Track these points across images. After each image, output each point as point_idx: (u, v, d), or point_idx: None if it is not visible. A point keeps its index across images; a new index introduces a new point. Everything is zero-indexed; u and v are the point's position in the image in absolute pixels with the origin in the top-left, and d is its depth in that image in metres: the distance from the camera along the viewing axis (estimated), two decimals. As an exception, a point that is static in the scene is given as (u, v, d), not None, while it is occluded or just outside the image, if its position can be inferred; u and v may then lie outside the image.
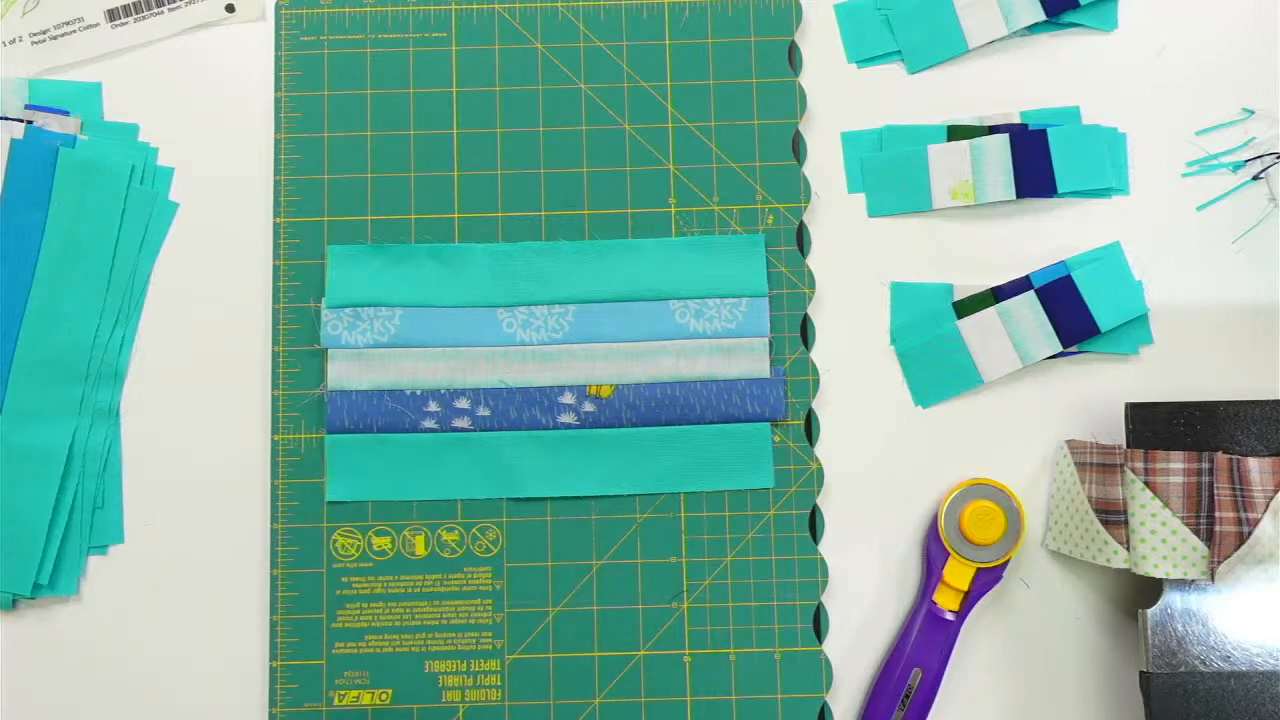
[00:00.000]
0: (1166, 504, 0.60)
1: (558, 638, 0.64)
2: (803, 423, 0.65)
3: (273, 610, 0.64)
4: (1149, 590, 0.62)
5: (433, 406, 0.64)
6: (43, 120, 0.66)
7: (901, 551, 0.65)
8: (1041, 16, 0.67)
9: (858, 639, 0.65)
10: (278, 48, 0.67)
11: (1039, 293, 0.65)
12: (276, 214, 0.66)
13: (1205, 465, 0.60)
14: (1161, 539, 0.59)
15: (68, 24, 0.67)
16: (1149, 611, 0.60)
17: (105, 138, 0.66)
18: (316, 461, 0.64)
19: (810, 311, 0.66)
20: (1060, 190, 0.66)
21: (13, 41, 0.67)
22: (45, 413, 0.64)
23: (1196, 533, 0.59)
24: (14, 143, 0.65)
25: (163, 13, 0.67)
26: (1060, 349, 0.65)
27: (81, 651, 0.64)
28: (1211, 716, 0.59)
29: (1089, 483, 0.63)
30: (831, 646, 0.64)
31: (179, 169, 0.67)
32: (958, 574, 0.63)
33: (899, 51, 0.68)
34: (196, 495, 0.65)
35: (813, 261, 0.66)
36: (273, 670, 0.63)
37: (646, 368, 0.65)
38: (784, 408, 0.65)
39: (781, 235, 0.66)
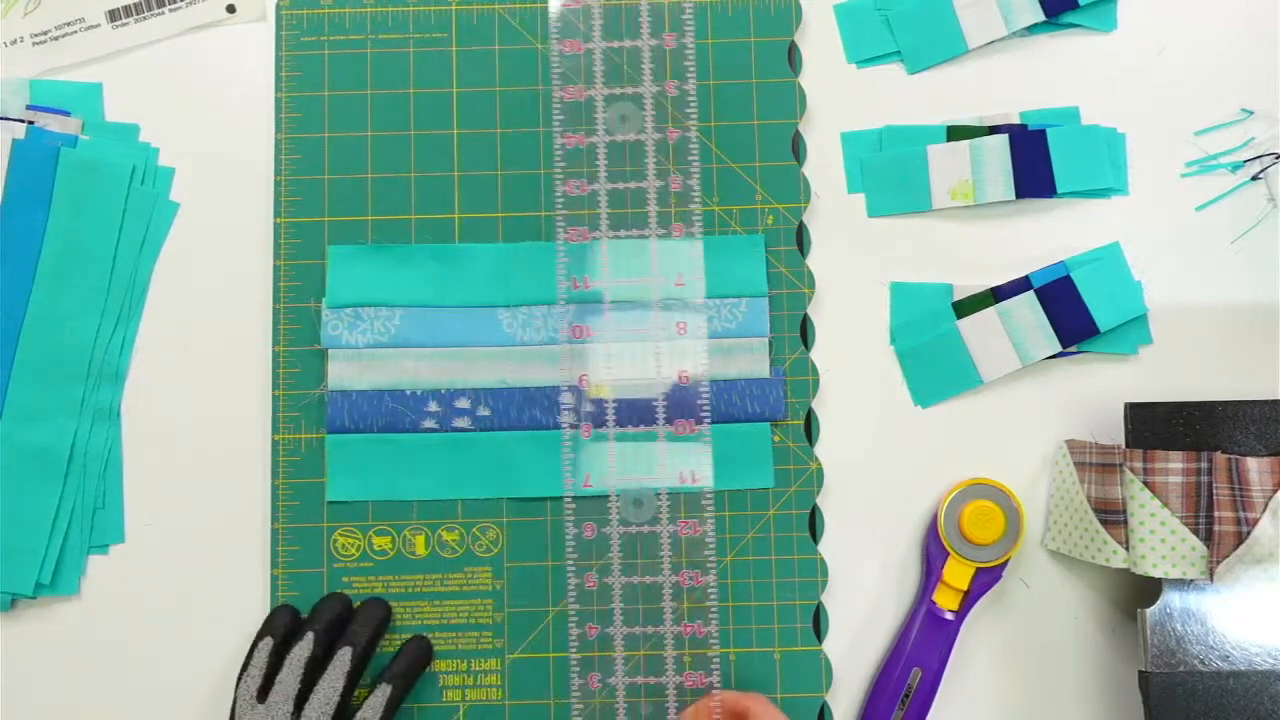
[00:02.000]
0: (1165, 504, 0.60)
1: (558, 638, 0.64)
2: (803, 423, 0.65)
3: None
4: (1148, 590, 0.62)
5: (433, 406, 0.64)
6: (44, 121, 0.66)
7: (901, 551, 0.65)
8: (1041, 17, 0.67)
9: (858, 639, 0.65)
10: (278, 48, 0.67)
11: (1038, 293, 0.66)
12: (276, 214, 0.66)
13: (1204, 465, 0.60)
14: (1161, 539, 0.59)
15: (69, 24, 0.67)
16: (1148, 611, 0.60)
17: (106, 138, 0.66)
18: (316, 461, 0.65)
19: (810, 311, 0.66)
20: (1060, 190, 0.66)
21: (14, 42, 0.67)
22: (46, 413, 0.64)
23: (1195, 532, 0.59)
24: (15, 143, 0.65)
25: (164, 13, 0.67)
26: (1060, 349, 0.65)
27: (82, 651, 0.64)
28: (1211, 716, 0.59)
29: (1088, 482, 0.63)
30: (831, 646, 0.64)
31: (180, 169, 0.67)
32: (957, 574, 0.63)
33: (899, 52, 0.68)
34: (196, 495, 0.65)
35: (813, 261, 0.66)
36: (273, 670, 0.63)
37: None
38: (784, 408, 0.65)
39: (781, 235, 0.66)
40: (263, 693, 0.58)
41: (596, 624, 0.63)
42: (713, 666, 0.62)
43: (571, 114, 0.64)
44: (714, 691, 0.61)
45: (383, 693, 0.59)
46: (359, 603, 0.62)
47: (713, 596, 0.63)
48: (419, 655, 0.62)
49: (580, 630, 0.62)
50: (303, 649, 0.59)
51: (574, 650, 0.62)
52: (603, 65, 0.65)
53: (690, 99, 0.64)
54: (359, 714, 0.59)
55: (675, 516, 0.63)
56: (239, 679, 0.59)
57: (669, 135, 0.65)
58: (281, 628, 0.60)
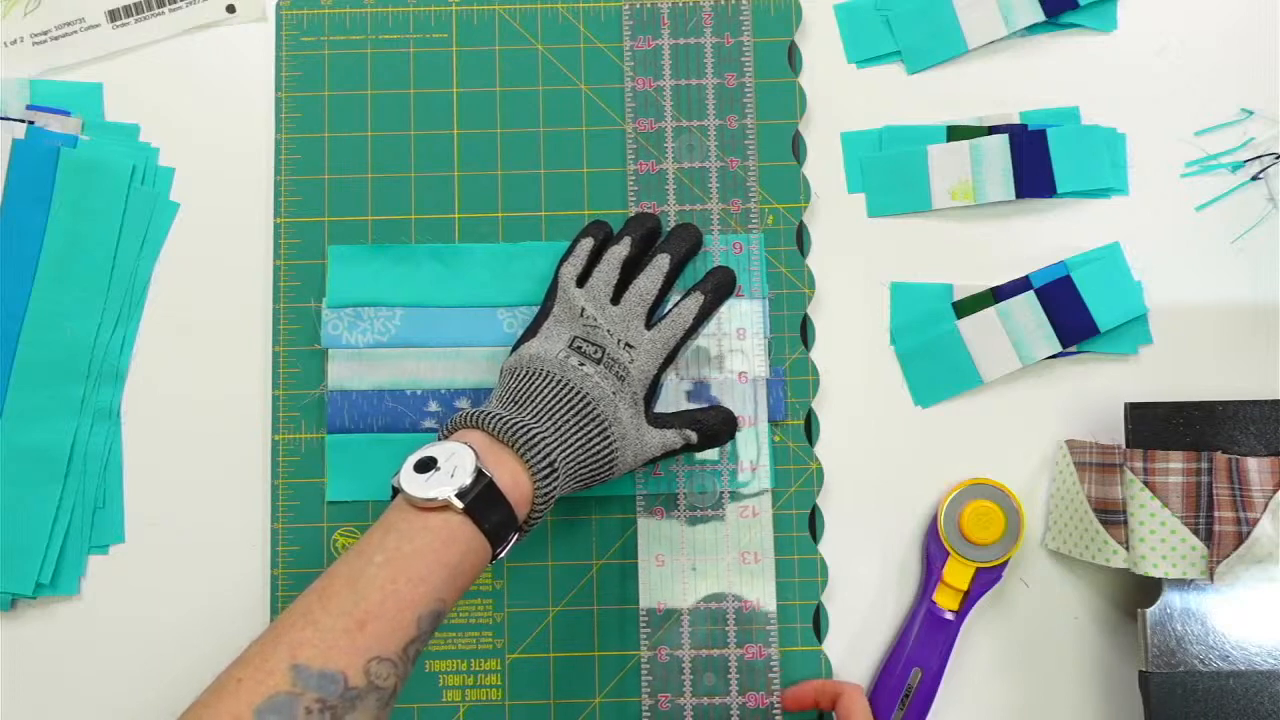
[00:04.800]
0: (1166, 504, 0.60)
1: (558, 638, 0.64)
2: (803, 423, 0.65)
3: (273, 610, 0.64)
4: (1148, 590, 0.62)
5: (433, 406, 0.64)
6: (44, 121, 0.66)
7: (901, 551, 0.65)
8: (1041, 17, 0.67)
9: (857, 639, 0.65)
10: (278, 48, 0.67)
11: (1038, 293, 0.66)
12: (276, 214, 0.66)
13: (1204, 465, 0.60)
14: (1161, 539, 0.59)
15: (69, 24, 0.67)
16: (1148, 611, 0.60)
17: (106, 138, 0.66)
18: (316, 461, 0.65)
19: (810, 311, 0.66)
20: (1060, 190, 0.66)
21: (14, 42, 0.67)
22: (46, 413, 0.64)
23: (1195, 532, 0.59)
24: (15, 143, 0.65)
25: (164, 13, 0.67)
26: (1060, 349, 0.65)
27: (82, 651, 0.64)
28: (1210, 716, 0.59)
29: (1088, 482, 0.63)
30: (831, 646, 0.64)
31: (179, 169, 0.67)
32: (957, 574, 0.63)
33: (899, 52, 0.68)
34: (197, 495, 0.65)
35: (813, 261, 0.66)
36: (273, 670, 0.63)
37: (646, 368, 0.65)
38: (784, 408, 0.65)
39: (781, 235, 0.66)
40: (581, 280, 0.62)
41: (664, 601, 0.63)
42: (770, 639, 0.63)
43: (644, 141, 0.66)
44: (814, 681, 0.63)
45: (695, 300, 0.62)
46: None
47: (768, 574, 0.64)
48: (726, 280, 0.64)
49: (650, 606, 0.63)
50: (620, 249, 0.62)
51: (644, 623, 0.63)
52: (671, 99, 0.66)
53: (749, 132, 0.66)
54: (673, 311, 0.62)
55: (737, 501, 0.64)
56: (561, 263, 0.63)
57: (729, 164, 0.66)
58: (601, 234, 0.64)
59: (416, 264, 0.65)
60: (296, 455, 0.65)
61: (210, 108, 0.67)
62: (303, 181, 0.66)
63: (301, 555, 0.64)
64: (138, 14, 0.67)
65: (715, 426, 0.62)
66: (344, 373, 0.64)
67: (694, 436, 0.61)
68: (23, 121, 0.65)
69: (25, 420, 0.64)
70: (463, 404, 0.64)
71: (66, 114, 0.66)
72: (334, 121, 0.66)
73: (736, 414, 0.64)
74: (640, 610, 0.63)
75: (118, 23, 0.67)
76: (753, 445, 0.64)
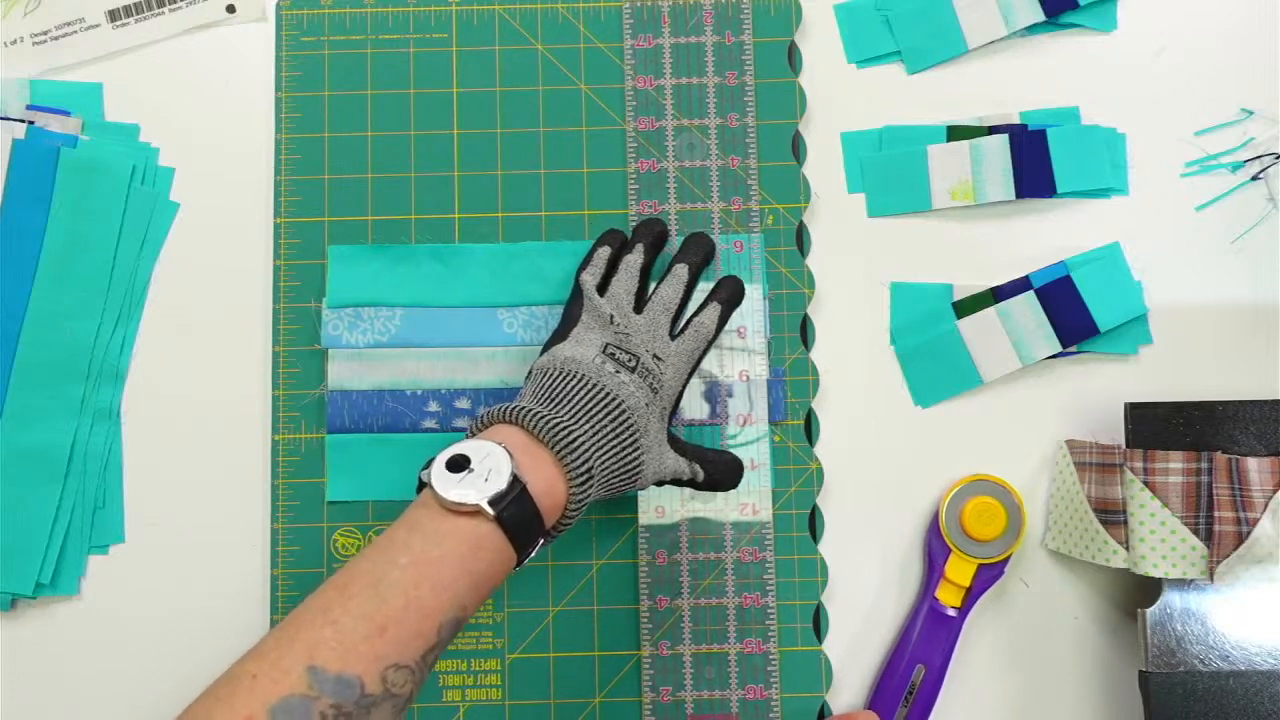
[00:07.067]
0: (1165, 504, 0.60)
1: (558, 638, 0.64)
2: (803, 423, 0.65)
3: (273, 610, 0.64)
4: (1148, 590, 0.62)
5: (433, 406, 0.64)
6: (44, 120, 0.66)
7: (901, 551, 0.65)
8: (1041, 17, 0.67)
9: (858, 638, 0.65)
10: (278, 48, 0.67)
11: (1038, 293, 0.66)
12: (276, 214, 0.66)
13: (1204, 465, 0.60)
14: (1161, 539, 0.60)
15: (69, 24, 0.67)
16: (1148, 611, 0.60)
17: (106, 138, 0.66)
18: (316, 461, 0.65)
19: (810, 311, 0.66)
20: (1060, 190, 0.66)
21: (14, 42, 0.67)
22: (46, 413, 0.64)
23: (1195, 532, 0.59)
24: (15, 143, 0.65)
25: (164, 13, 0.67)
26: (1060, 349, 0.65)
27: (82, 651, 0.64)
28: (1210, 716, 0.59)
29: (1088, 482, 0.63)
30: (831, 646, 0.64)
31: (180, 169, 0.67)
32: (959, 570, 0.63)
33: (899, 52, 0.68)
34: (196, 495, 0.65)
35: (813, 261, 0.66)
36: (273, 670, 0.63)
37: (647, 367, 0.65)
38: (784, 408, 0.65)
39: (781, 235, 0.66)
40: (600, 289, 0.61)
41: (666, 595, 0.64)
42: (769, 634, 0.64)
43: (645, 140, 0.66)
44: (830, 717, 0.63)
45: (714, 310, 0.61)
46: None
47: (770, 571, 0.64)
48: (738, 289, 0.63)
49: (651, 602, 0.64)
50: (636, 257, 0.62)
51: (645, 619, 0.64)
52: (672, 98, 0.66)
53: (750, 130, 0.66)
54: (695, 322, 0.61)
55: (738, 501, 0.64)
56: (580, 270, 0.62)
57: (730, 163, 0.66)
58: (616, 242, 0.63)
59: (416, 264, 0.65)
60: (296, 455, 0.65)
61: (210, 108, 0.67)
62: (303, 181, 0.66)
63: (301, 555, 0.64)
64: (138, 14, 0.67)
65: (721, 472, 0.60)
66: (344, 373, 0.64)
67: (700, 474, 0.59)
68: (23, 121, 0.65)
69: (25, 420, 0.64)
70: (462, 404, 0.64)
71: (66, 114, 0.66)
72: (334, 121, 0.66)
73: (738, 412, 0.64)
74: (641, 608, 0.63)
75: (118, 23, 0.67)
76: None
